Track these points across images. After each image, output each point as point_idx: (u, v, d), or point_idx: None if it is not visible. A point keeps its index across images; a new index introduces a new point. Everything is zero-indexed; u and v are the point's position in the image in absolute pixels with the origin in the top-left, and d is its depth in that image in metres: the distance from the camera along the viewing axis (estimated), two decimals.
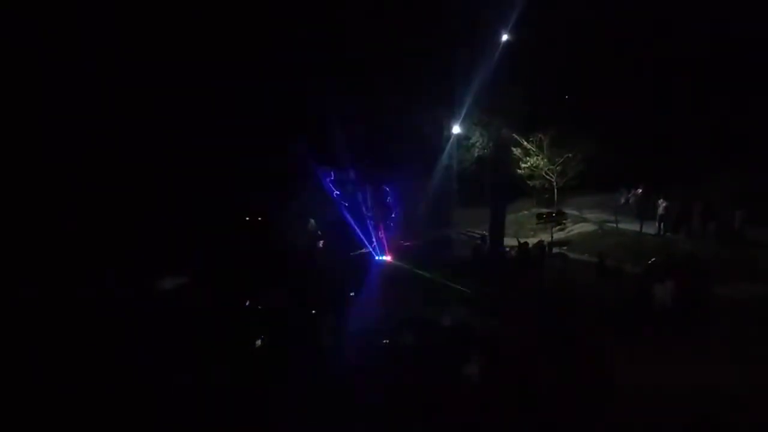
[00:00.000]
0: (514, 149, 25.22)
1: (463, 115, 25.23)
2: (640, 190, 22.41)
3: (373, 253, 18.90)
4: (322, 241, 17.78)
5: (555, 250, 17.87)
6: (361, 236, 21.77)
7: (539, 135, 24.35)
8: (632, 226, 20.12)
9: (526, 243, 16.93)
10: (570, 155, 23.62)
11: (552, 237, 17.22)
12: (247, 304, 10.85)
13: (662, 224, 18.89)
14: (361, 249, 15.49)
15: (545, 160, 24.39)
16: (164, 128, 16.59)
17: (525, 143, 24.83)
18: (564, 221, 20.30)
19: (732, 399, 7.72)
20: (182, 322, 9.16)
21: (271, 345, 8.54)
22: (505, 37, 23.84)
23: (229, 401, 6.96)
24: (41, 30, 13.52)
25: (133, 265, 12.49)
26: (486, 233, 20.42)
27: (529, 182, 26.00)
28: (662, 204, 18.88)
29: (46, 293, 10.20)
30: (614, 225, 21.15)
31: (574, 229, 22.42)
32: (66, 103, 14.02)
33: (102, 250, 12.76)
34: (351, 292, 11.52)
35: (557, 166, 24.11)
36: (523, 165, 25.24)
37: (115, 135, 15.00)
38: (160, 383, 7.23)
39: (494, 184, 22.67)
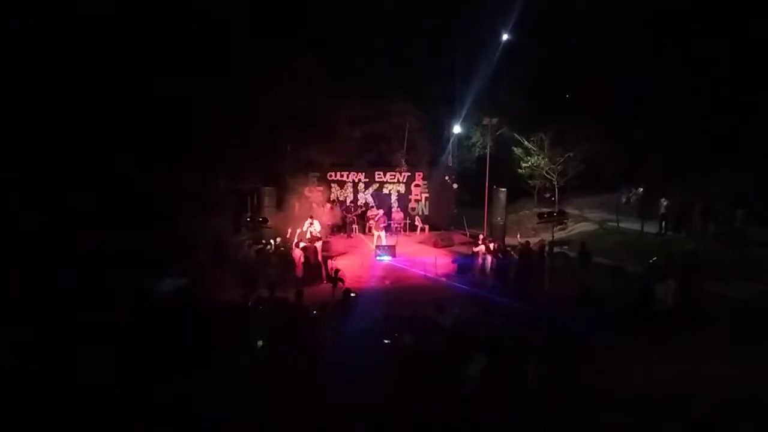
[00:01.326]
0: (514, 149, 25.26)
1: (463, 115, 25.32)
2: (641, 190, 22.44)
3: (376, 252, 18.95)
4: (321, 242, 17.77)
5: (556, 249, 17.89)
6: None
7: (540, 134, 24.36)
8: (633, 226, 20.13)
9: (527, 242, 16.96)
10: (571, 155, 23.63)
11: (553, 236, 17.21)
12: (249, 304, 10.86)
13: (663, 223, 18.90)
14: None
15: (546, 159, 24.40)
16: (167, 128, 16.61)
17: (526, 143, 24.85)
18: (565, 221, 20.27)
19: (733, 400, 7.72)
20: (182, 324, 9.18)
21: (271, 345, 8.55)
22: (505, 37, 23.90)
23: (228, 402, 6.98)
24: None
25: (132, 266, 12.51)
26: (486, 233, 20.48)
27: (529, 182, 26.03)
28: (664, 203, 18.89)
29: (45, 294, 10.22)
30: (615, 224, 21.16)
31: (576, 228, 22.45)
32: (64, 102, 13.99)
33: (102, 252, 12.78)
34: (351, 292, 11.51)
35: (558, 165, 24.13)
36: (523, 164, 25.26)
37: (114, 136, 14.99)
38: (160, 384, 7.25)
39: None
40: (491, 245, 17.53)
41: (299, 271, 16.27)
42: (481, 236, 19.03)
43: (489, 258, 16.94)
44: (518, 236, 18.48)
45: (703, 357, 9.17)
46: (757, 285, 13.32)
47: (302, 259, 16.48)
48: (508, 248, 18.38)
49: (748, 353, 9.28)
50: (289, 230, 17.39)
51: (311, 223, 17.99)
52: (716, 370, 8.60)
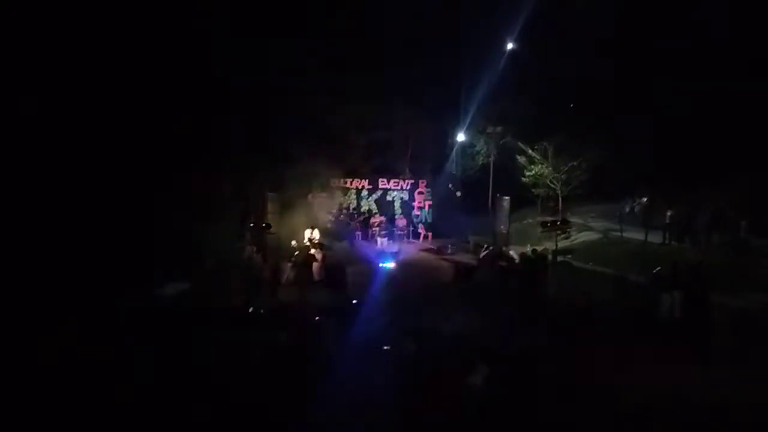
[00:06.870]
0: (518, 157, 25.25)
1: (467, 123, 25.37)
2: (645, 199, 22.36)
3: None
4: (324, 248, 17.72)
5: (559, 258, 17.80)
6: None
7: (544, 143, 24.35)
8: (637, 235, 20.04)
9: (535, 250, 16.84)
10: (575, 164, 23.59)
11: (556, 245, 17.13)
12: (251, 310, 10.84)
13: (668, 233, 18.83)
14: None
15: (550, 168, 24.36)
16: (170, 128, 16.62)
17: (530, 151, 24.84)
18: (568, 230, 20.17)
19: (737, 408, 7.67)
20: (184, 329, 9.16)
21: (273, 352, 8.52)
22: (510, 46, 23.99)
23: (231, 408, 6.96)
24: None
25: (135, 270, 12.49)
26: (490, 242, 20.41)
27: (533, 191, 25.99)
28: (668, 213, 18.84)
29: (48, 300, 10.21)
30: (619, 234, 21.08)
31: (579, 237, 22.35)
32: (70, 105, 14.00)
33: (105, 256, 12.77)
34: (353, 299, 11.49)
35: (562, 174, 24.08)
36: (527, 173, 25.23)
37: (119, 140, 15.00)
38: (159, 389, 7.24)
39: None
40: (493, 253, 17.48)
41: (301, 278, 16.22)
42: (488, 246, 18.91)
43: (493, 265, 16.88)
44: (529, 246, 18.24)
45: (707, 366, 9.13)
46: (762, 295, 13.26)
47: (305, 266, 16.43)
48: (513, 256, 18.30)
49: (752, 363, 9.24)
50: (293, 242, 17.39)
51: (312, 232, 18.02)
52: (721, 380, 8.56)
